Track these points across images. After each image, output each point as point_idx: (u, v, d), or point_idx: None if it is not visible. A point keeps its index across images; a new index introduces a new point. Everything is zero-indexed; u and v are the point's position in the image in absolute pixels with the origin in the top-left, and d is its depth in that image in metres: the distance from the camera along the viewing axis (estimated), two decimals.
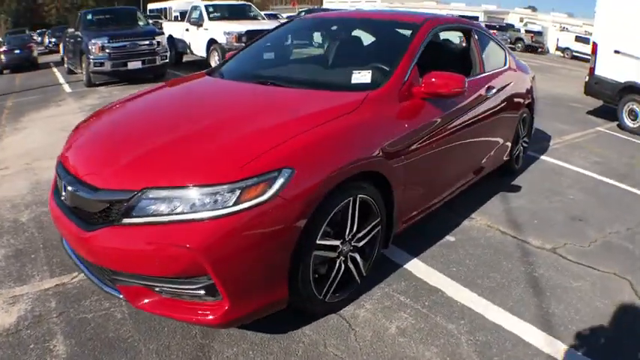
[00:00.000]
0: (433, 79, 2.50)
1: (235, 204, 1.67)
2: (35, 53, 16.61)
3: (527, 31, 26.14)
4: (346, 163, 1.97)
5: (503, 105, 3.55)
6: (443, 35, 3.94)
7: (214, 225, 1.64)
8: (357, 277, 2.27)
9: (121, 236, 1.72)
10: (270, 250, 1.75)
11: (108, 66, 9.13)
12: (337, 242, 2.08)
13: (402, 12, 3.62)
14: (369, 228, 2.24)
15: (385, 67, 2.61)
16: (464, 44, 3.68)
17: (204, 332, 2.09)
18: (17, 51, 15.76)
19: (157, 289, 1.80)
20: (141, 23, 10.72)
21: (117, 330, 2.10)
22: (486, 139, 3.40)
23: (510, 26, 27.73)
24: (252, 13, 12.11)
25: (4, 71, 15.41)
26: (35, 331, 2.11)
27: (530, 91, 4.25)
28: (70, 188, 1.97)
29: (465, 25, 3.59)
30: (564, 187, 4.14)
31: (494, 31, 25.45)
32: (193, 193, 1.69)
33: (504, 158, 3.95)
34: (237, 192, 1.68)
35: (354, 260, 2.22)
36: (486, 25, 26.01)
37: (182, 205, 1.68)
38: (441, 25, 3.11)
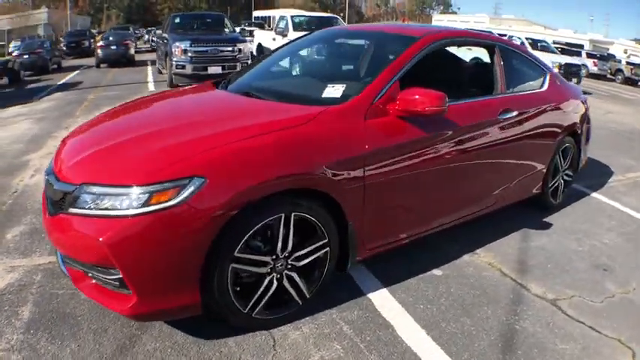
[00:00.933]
0: (408, 96, 2.36)
1: (143, 206, 1.77)
2: (132, 50, 17.57)
3: (627, 63, 24.22)
4: (272, 177, 1.95)
5: (529, 131, 3.22)
6: (472, 52, 3.71)
7: (123, 222, 1.77)
8: (296, 298, 2.22)
9: (65, 223, 1.92)
10: (177, 255, 1.82)
11: (189, 69, 9.76)
12: (267, 258, 2.07)
13: (417, 26, 3.41)
14: (311, 249, 2.19)
15: (364, 82, 2.53)
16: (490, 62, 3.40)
17: (142, 325, 2.22)
18: (114, 47, 16.76)
19: (89, 274, 1.99)
20: (226, 30, 11.36)
21: (74, 308, 2.35)
22: (499, 167, 3.10)
23: (611, 57, 25.88)
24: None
25: (101, 65, 16.75)
26: (14, 297, 2.45)
27: (577, 119, 3.79)
28: (46, 177, 2.25)
29: (486, 40, 3.33)
30: (604, 229, 3.62)
31: (595, 60, 23.21)
32: (112, 191, 1.83)
33: (534, 191, 3.57)
34: (147, 195, 1.78)
35: (291, 280, 2.18)
36: (587, 55, 23.67)
37: (104, 201, 1.83)
38: (444, 39, 2.90)
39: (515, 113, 3.09)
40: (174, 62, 9.86)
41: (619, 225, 3.74)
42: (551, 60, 12.09)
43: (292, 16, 12.00)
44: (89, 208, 1.84)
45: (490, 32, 7.24)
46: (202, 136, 2.06)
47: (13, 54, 16.73)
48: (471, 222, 3.15)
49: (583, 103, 4.02)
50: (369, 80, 2.49)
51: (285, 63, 3.50)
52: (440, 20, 39.34)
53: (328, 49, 3.62)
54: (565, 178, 3.89)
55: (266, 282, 2.09)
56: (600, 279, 2.87)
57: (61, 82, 12.86)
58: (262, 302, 2.11)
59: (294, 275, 2.17)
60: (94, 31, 33.06)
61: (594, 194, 4.42)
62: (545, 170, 3.55)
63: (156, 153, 1.98)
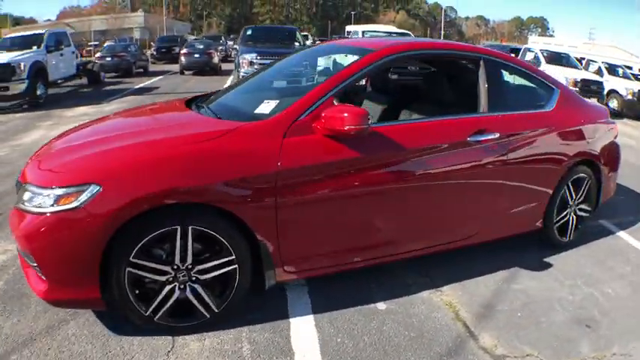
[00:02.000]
0: (332, 114, 2.23)
1: (52, 206, 2.00)
2: (216, 60, 17.90)
3: None
4: (165, 189, 2.02)
5: (521, 156, 2.86)
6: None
7: (36, 219, 2.02)
8: (202, 310, 2.23)
9: (15, 215, 2.17)
10: (77, 252, 2.00)
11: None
12: (167, 268, 2.14)
13: (388, 41, 3.17)
14: (215, 264, 2.19)
15: (296, 98, 2.42)
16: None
17: (76, 312, 2.41)
18: (197, 55, 17.25)
19: (26, 260, 2.19)
20: (296, 44, 11.45)
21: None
22: (473, 196, 2.77)
23: None
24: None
25: (185, 72, 17.39)
26: None
27: (596, 146, 3.29)
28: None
29: (466, 53, 3.01)
30: (613, 276, 3.07)
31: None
32: (35, 191, 2.08)
33: (537, 224, 3.15)
34: (56, 197, 2.01)
35: (196, 292, 2.20)
36: None
37: (34, 199, 2.07)
38: (402, 52, 2.69)
39: (495, 136, 2.74)
40: (241, 73, 10.25)
41: (634, 272, 3.14)
42: (625, 87, 11.50)
43: (363, 31, 12.08)
44: (24, 204, 2.09)
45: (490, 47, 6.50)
46: (113, 148, 2.23)
47: (96, 55, 18.41)
48: (459, 252, 2.94)
49: (608, 127, 3.48)
50: (296, 98, 2.41)
51: (269, 77, 3.46)
52: (535, 42, 38.73)
53: (306, 64, 3.56)
54: (578, 213, 3.38)
55: (166, 290, 2.16)
56: (576, 337, 2.41)
57: (139, 86, 13.81)
58: (164, 309, 2.18)
59: (198, 288, 2.20)
60: (192, 37, 35.28)
61: (621, 233, 3.78)
62: (547, 203, 3.11)
63: (72, 161, 2.20)
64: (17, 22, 47.83)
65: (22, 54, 9.70)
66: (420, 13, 73.13)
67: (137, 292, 2.14)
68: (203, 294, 2.21)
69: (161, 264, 2.13)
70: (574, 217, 3.36)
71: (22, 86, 9.23)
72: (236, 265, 2.22)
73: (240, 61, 10.15)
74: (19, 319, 2.35)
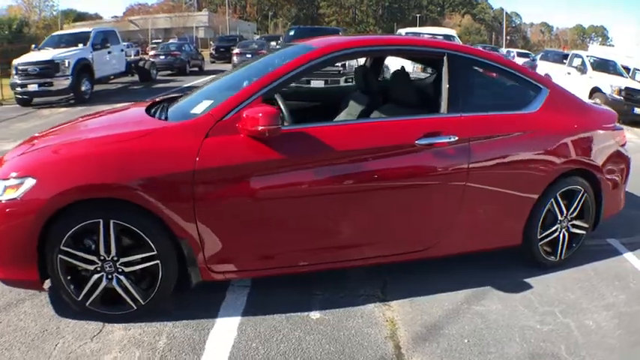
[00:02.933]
0: (249, 114, 2.23)
1: (1, 195, 2.22)
2: None
3: None
4: (86, 184, 2.17)
5: (488, 162, 2.63)
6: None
7: None
8: (129, 301, 2.35)
9: None
10: (16, 238, 2.21)
11: (342, 81, 10.29)
12: (94, 258, 2.28)
13: (335, 39, 3.09)
14: (137, 258, 2.29)
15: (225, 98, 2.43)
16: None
17: (35, 293, 2.62)
18: (248, 54, 17.46)
19: None
20: None
21: None
22: (426, 205, 2.60)
23: None
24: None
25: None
26: None
27: (595, 155, 2.95)
28: None
29: (426, 48, 2.83)
30: (601, 305, 2.69)
31: None
32: None
33: (515, 241, 2.88)
34: (3, 188, 2.23)
35: (120, 283, 2.31)
36: None
37: None
38: (343, 49, 2.60)
39: (451, 139, 2.52)
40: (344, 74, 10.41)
41: (628, 302, 2.73)
42: None
43: (406, 33, 12.36)
44: None
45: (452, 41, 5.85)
46: (51, 145, 2.45)
47: (150, 53, 19.53)
48: (426, 265, 2.81)
49: (613, 135, 3.09)
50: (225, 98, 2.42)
51: (240, 77, 3.42)
52: (594, 51, 36.15)
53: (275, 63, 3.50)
54: (572, 230, 3.02)
55: (94, 279, 2.31)
56: None
57: (188, 84, 14.32)
58: (93, 296, 2.33)
59: (123, 279, 2.32)
60: (257, 37, 35.72)
61: (629, 255, 3.32)
62: (527, 216, 2.81)
63: (22, 157, 2.42)
64: (82, 17, 51.57)
65: (68, 51, 10.53)
66: (485, 17, 72.14)
67: (69, 277, 2.31)
68: (128, 285, 2.32)
69: (88, 254, 2.27)
70: (566, 234, 3.01)
71: (67, 82, 10.03)
72: (158, 261, 2.29)
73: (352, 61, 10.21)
74: None
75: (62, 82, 9.97)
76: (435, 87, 2.79)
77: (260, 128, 2.18)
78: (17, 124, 8.58)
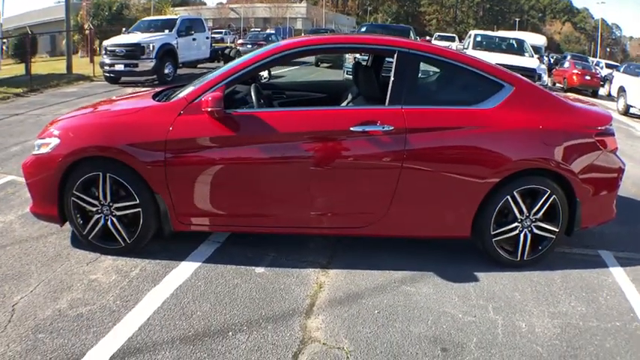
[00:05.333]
0: (204, 98, 2.90)
1: (38, 150, 3.15)
2: None
3: None
4: (88, 145, 3.00)
5: (427, 153, 2.98)
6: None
7: (31, 158, 3.20)
8: (119, 239, 3.12)
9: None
10: (45, 181, 3.08)
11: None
12: (95, 202, 3.08)
13: (300, 37, 3.67)
14: (124, 204, 3.06)
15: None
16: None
17: (63, 229, 3.42)
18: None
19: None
20: None
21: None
22: (360, 186, 3.03)
23: None
24: None
25: (320, 64, 19.32)
26: None
27: (566, 157, 3.06)
28: None
29: (381, 46, 3.35)
30: (547, 312, 2.79)
31: None
32: (35, 142, 3.28)
33: (461, 233, 3.15)
34: (39, 145, 3.17)
35: (113, 223, 3.10)
36: None
37: (34, 147, 3.24)
38: (300, 47, 3.25)
39: (386, 128, 2.90)
40: (345, 68, 11.19)
41: (587, 316, 2.78)
42: None
43: (476, 34, 12.69)
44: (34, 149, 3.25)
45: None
46: (73, 116, 3.36)
47: (238, 42, 21.13)
48: (383, 242, 3.31)
49: (597, 139, 3.14)
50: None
51: None
52: None
53: None
54: (537, 232, 3.15)
55: (95, 218, 3.13)
56: (415, 356, 2.36)
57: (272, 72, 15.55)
58: (94, 232, 3.14)
59: (116, 221, 3.10)
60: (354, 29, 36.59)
61: (615, 270, 3.34)
62: (474, 210, 3.05)
63: (57, 123, 3.33)
64: (186, 2, 56.03)
65: (154, 36, 12.09)
66: (586, 27, 67.94)
67: (78, 216, 3.12)
68: (118, 226, 3.10)
69: (92, 198, 3.08)
70: (529, 234, 3.16)
71: (150, 64, 11.56)
72: (140, 209, 3.04)
73: (347, 56, 10.93)
74: (27, 228, 3.54)
75: (146, 64, 11.53)
76: (385, 81, 3.20)
77: (209, 109, 2.84)
78: (100, 97, 10.16)
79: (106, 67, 11.86)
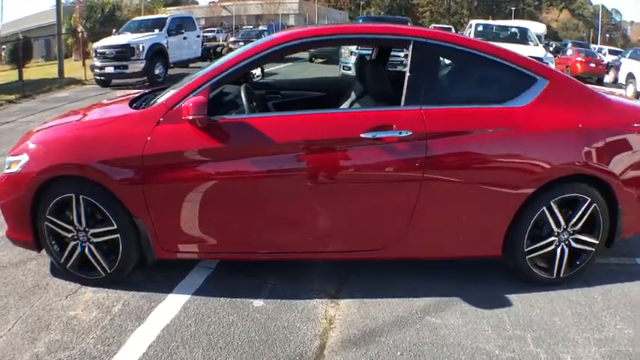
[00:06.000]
0: (186, 103, 2.42)
1: (9, 169, 2.71)
2: None
3: None
4: (57, 163, 2.55)
5: (451, 162, 2.51)
6: None
7: (4, 177, 2.74)
8: (99, 269, 2.67)
9: None
10: (17, 204, 2.64)
11: (354, 71, 10.56)
12: (70, 227, 2.63)
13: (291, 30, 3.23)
14: (101, 230, 2.61)
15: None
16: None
17: (43, 254, 2.97)
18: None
19: None
20: None
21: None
22: (370, 203, 2.55)
23: None
24: None
25: (314, 60, 19.00)
26: None
27: (608, 161, 2.61)
28: None
29: (393, 36, 2.79)
30: (592, 337, 2.35)
31: None
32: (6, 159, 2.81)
33: (492, 251, 2.69)
34: (9, 162, 2.72)
35: (91, 251, 2.65)
36: None
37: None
38: (294, 40, 2.67)
39: (403, 134, 2.42)
40: (341, 63, 10.78)
41: (636, 339, 2.37)
42: None
43: (477, 23, 12.69)
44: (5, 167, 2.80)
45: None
46: (44, 129, 2.90)
47: (230, 40, 20.66)
48: (399, 266, 2.81)
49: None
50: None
51: None
52: None
53: None
54: (575, 245, 2.70)
55: (71, 245, 2.67)
56: None
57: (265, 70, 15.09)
58: (72, 260, 2.68)
59: (93, 248, 2.65)
60: None
61: None
62: (507, 225, 2.59)
63: (29, 136, 2.88)
64: (178, 2, 55.36)
65: (143, 36, 11.57)
66: (584, 13, 67.90)
67: (54, 242, 2.68)
68: (97, 254, 2.65)
69: (66, 223, 2.63)
70: (566, 249, 2.71)
71: (140, 65, 11.08)
72: (118, 235, 2.59)
73: (343, 50, 10.56)
74: (6, 252, 3.14)
75: (136, 66, 11.05)
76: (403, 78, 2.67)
77: (190, 117, 2.36)
78: (91, 101, 9.67)
79: (97, 70, 11.38)
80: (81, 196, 2.54)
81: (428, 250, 2.69)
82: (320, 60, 18.87)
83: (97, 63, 11.26)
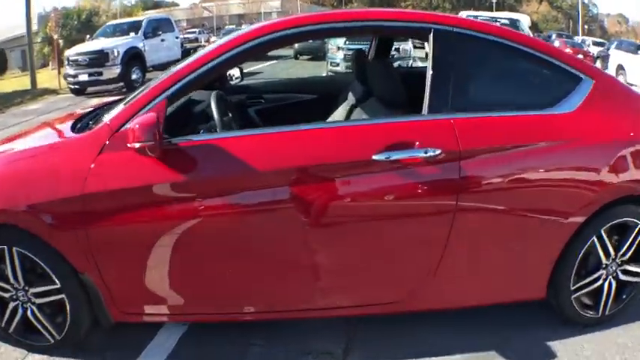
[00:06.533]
0: (130, 124, 1.82)
1: None
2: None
3: None
4: None
5: (491, 188, 1.94)
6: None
7: None
8: (45, 334, 2.15)
9: None
10: None
11: (342, 67, 10.19)
12: (7, 285, 2.08)
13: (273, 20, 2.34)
14: (43, 290, 2.06)
15: None
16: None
17: None
18: (311, 40, 18.88)
19: None
20: None
21: None
22: (388, 245, 1.99)
23: None
24: None
25: (299, 57, 18.66)
26: None
27: None
28: None
29: (408, 23, 2.16)
30: None
31: None
32: None
33: (535, 293, 2.17)
34: None
35: (34, 314, 2.12)
36: None
37: None
38: (271, 33, 2.02)
39: (430, 153, 1.84)
40: (328, 59, 10.32)
41: None
42: None
43: (468, 15, 13.14)
44: None
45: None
46: None
47: (210, 40, 20.03)
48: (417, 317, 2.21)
49: None
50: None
51: None
52: None
53: None
54: (623, 277, 2.21)
55: (11, 307, 2.12)
56: None
57: (246, 70, 14.48)
58: (14, 324, 2.14)
59: (36, 310, 2.12)
60: None
61: None
62: (554, 261, 2.08)
63: None
64: (159, 5, 54.37)
65: (118, 40, 10.93)
66: (562, 5, 69.49)
67: None
68: (41, 317, 2.11)
69: (2, 281, 2.08)
70: (613, 282, 2.21)
71: (116, 71, 10.46)
72: (63, 295, 2.03)
73: (330, 45, 10.14)
74: None
75: (112, 72, 10.43)
76: (422, 77, 2.09)
77: (136, 145, 1.75)
78: (60, 114, 9.01)
79: (70, 79, 10.71)
80: (14, 249, 1.98)
81: (457, 300, 2.15)
82: (305, 57, 18.35)
83: (71, 71, 10.58)
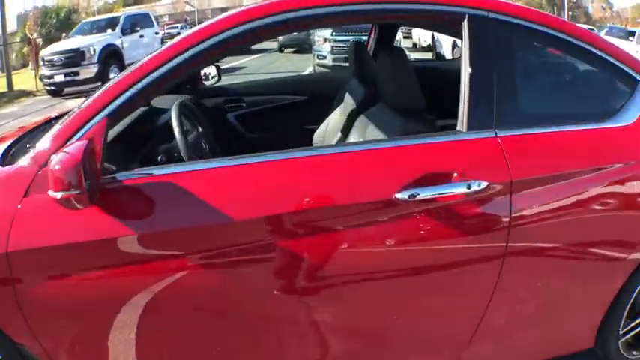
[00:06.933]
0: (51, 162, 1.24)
1: None
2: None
3: None
4: None
5: (545, 229, 1.49)
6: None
7: None
8: None
9: None
10: None
11: (329, 60, 9.80)
12: None
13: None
14: None
15: None
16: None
17: None
18: (295, 32, 18.49)
19: None
20: None
21: None
22: (417, 307, 1.51)
23: None
24: None
25: (283, 50, 17.81)
26: None
27: None
28: None
29: (435, 5, 1.55)
30: None
31: None
32: None
33: (584, 345, 1.75)
34: None
35: None
36: None
37: None
38: (249, 21, 1.42)
39: (478, 187, 1.37)
40: (315, 52, 9.97)
41: None
42: None
43: None
44: None
45: None
46: None
47: None
48: None
49: None
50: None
51: None
52: None
53: None
54: None
55: None
56: None
57: (228, 65, 13.42)
58: None
59: None
60: None
61: None
62: (606, 307, 1.66)
63: None
64: (140, 1, 53.13)
65: (94, 38, 10.36)
66: None
67: None
68: None
69: None
70: None
71: (94, 70, 9.93)
72: None
73: (317, 38, 9.74)
74: None
75: (89, 71, 9.93)
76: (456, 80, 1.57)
77: (57, 196, 1.21)
78: (35, 117, 8.49)
79: (46, 80, 10.17)
80: None
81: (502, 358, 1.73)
82: (290, 50, 17.80)
83: (46, 72, 10.03)
